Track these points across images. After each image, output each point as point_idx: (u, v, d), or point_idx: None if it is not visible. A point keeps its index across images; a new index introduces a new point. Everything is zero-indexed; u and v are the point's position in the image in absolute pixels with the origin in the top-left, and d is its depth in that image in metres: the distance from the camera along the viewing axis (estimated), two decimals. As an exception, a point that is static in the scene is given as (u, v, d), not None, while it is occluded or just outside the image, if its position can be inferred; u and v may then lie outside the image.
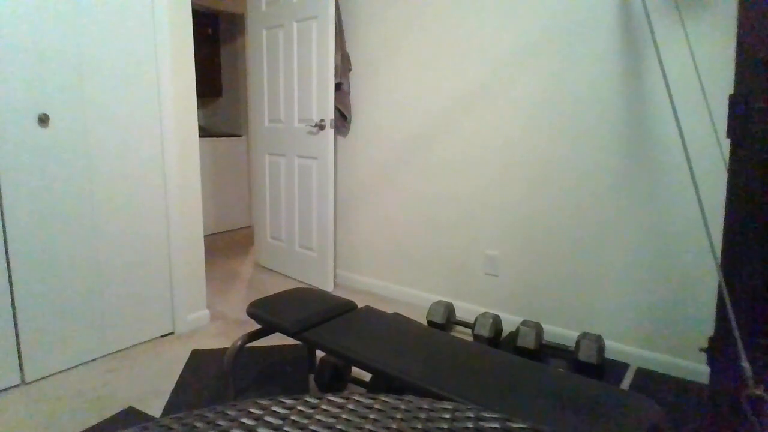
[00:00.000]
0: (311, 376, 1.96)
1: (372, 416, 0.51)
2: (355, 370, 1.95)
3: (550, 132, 2.26)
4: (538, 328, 2.13)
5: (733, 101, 1.27)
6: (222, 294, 2.92)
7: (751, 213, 1.25)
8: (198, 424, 0.49)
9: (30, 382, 1.89)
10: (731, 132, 1.28)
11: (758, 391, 1.11)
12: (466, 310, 2.61)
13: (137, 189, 2.15)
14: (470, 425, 0.50)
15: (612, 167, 2.11)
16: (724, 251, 1.33)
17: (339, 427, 0.49)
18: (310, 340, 1.54)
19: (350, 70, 2.96)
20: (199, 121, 2.54)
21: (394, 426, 0.49)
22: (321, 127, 2.85)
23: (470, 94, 2.49)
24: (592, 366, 1.96)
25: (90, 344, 2.06)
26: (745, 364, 1.14)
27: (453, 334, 2.42)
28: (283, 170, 3.20)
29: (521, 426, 0.50)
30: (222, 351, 2.18)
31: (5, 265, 1.79)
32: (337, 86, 2.87)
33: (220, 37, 4.80)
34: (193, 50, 2.28)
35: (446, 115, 2.59)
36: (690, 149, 1.89)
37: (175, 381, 1.93)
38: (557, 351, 2.19)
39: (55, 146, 1.88)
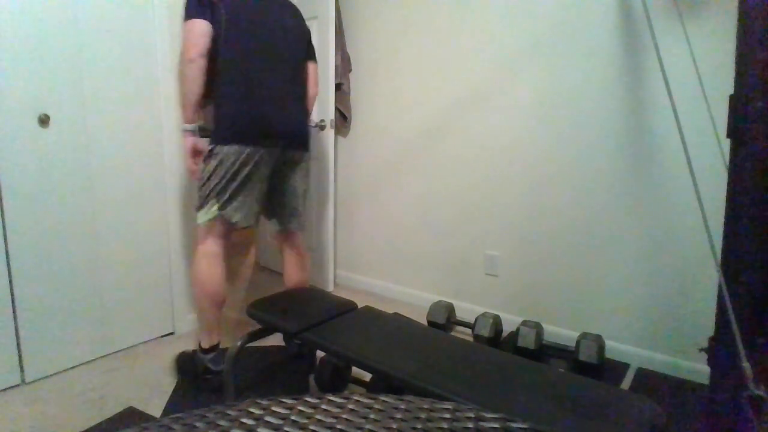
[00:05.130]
0: (311, 376, 1.96)
1: (372, 416, 0.51)
2: (355, 370, 1.95)
3: (549, 132, 2.26)
4: (538, 328, 2.13)
5: (733, 101, 1.26)
6: (222, 294, 2.91)
7: (751, 213, 1.25)
8: (198, 424, 0.49)
9: (30, 382, 1.88)
10: (731, 132, 1.27)
11: (758, 391, 1.10)
12: (467, 310, 2.61)
13: (137, 189, 2.15)
14: (470, 425, 0.50)
15: (612, 167, 2.11)
16: (724, 251, 1.33)
17: (339, 427, 0.49)
18: (311, 340, 1.54)
19: (350, 70, 2.96)
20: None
21: (394, 426, 0.49)
22: (321, 127, 2.85)
23: (471, 94, 2.49)
24: (592, 366, 1.96)
25: (90, 344, 2.06)
26: (745, 364, 1.14)
27: (453, 334, 2.42)
28: (283, 170, 3.20)
29: (521, 426, 0.50)
30: (222, 351, 2.18)
31: (5, 265, 1.79)
32: (338, 86, 2.87)
33: (220, 37, 4.79)
34: (193, 50, 2.28)
35: (446, 115, 2.59)
36: (690, 149, 1.89)
37: (175, 381, 1.93)
38: (557, 351, 2.19)
39: (55, 146, 1.88)
